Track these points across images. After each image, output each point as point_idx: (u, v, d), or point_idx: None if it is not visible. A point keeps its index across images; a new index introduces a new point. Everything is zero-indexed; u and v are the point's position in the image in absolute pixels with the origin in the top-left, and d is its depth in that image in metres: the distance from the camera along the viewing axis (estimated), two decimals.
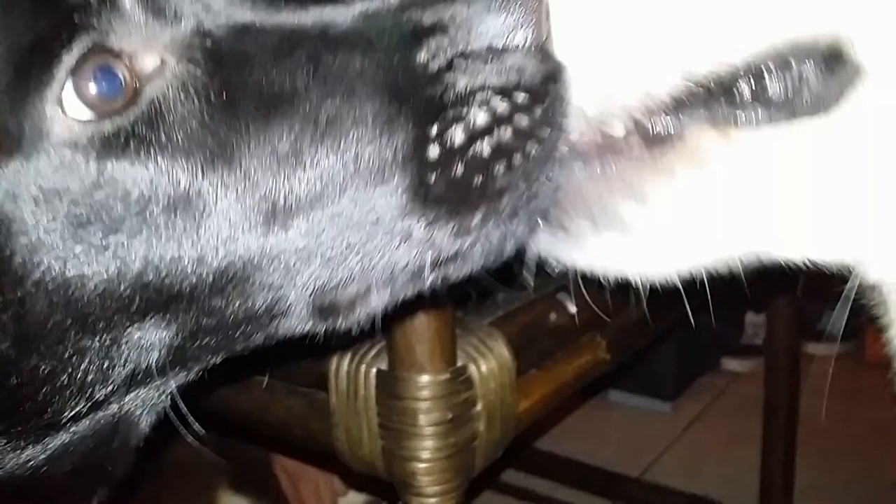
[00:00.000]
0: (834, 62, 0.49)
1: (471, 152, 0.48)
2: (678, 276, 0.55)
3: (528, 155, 0.48)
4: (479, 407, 0.74)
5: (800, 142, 0.50)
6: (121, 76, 0.45)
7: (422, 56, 0.48)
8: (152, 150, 0.45)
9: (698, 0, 0.48)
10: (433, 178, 0.48)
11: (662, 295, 0.57)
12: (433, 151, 0.48)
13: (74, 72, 0.44)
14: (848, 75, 0.48)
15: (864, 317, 0.60)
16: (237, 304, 0.49)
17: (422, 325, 0.70)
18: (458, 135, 0.47)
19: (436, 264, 0.50)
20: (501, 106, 0.47)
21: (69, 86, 0.44)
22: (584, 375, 0.88)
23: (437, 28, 0.48)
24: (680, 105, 0.50)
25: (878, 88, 0.48)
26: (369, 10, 0.50)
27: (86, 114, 0.45)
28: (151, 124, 0.46)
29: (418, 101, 0.48)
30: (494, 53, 0.48)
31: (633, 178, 0.51)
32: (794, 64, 0.49)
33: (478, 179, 0.48)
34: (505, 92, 0.47)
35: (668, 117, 0.51)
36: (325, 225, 0.48)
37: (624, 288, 0.57)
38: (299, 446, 0.84)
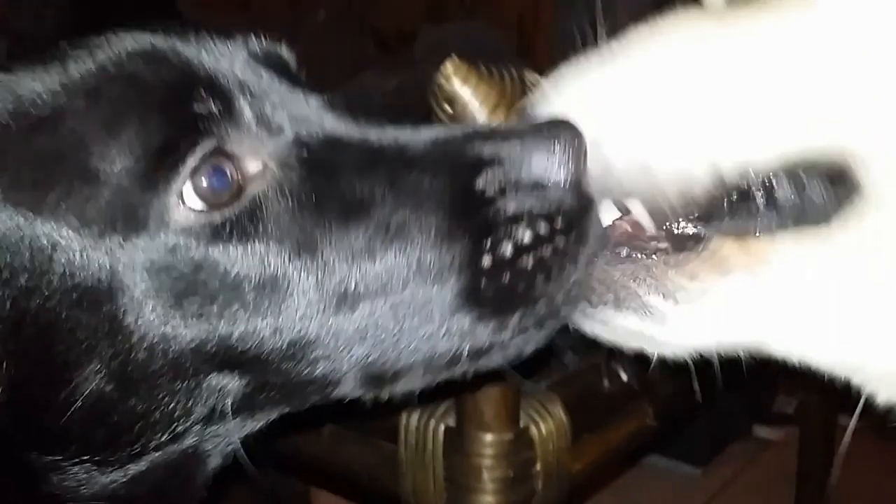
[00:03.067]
0: (838, 178, 0.54)
1: (516, 264, 0.56)
2: (688, 355, 0.61)
3: (562, 270, 0.57)
4: (538, 467, 0.79)
5: (811, 256, 0.55)
6: (230, 175, 0.53)
7: (480, 182, 0.56)
8: (250, 239, 0.54)
9: (724, 108, 0.55)
10: (483, 283, 0.56)
11: (702, 363, 0.63)
12: (485, 261, 0.56)
13: (194, 169, 0.52)
14: (849, 191, 0.54)
15: None
16: (301, 369, 0.56)
17: (489, 388, 0.76)
18: (506, 249, 0.56)
19: (473, 355, 0.57)
20: (543, 229, 0.56)
21: (188, 180, 0.52)
22: (633, 440, 0.93)
23: (495, 160, 0.57)
24: (706, 213, 0.57)
25: (877, 208, 0.53)
26: (439, 137, 0.58)
27: (199, 205, 0.52)
28: (251, 217, 0.54)
29: (475, 218, 0.56)
30: (540, 185, 0.56)
31: (658, 274, 0.58)
32: (803, 176, 0.55)
33: (520, 287, 0.56)
34: (547, 218, 0.56)
35: (695, 224, 0.58)
36: (385, 312, 0.56)
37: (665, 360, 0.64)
38: (365, 492, 0.90)
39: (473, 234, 0.56)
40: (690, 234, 0.58)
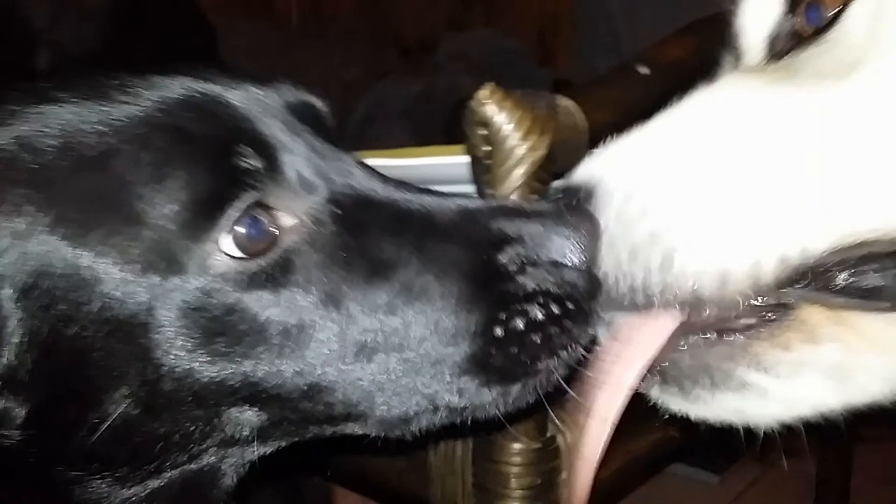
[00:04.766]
0: None
1: (526, 339, 0.60)
2: (791, 423, 0.63)
3: (566, 348, 0.61)
4: (564, 475, 0.81)
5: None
6: (266, 226, 0.57)
7: (501, 257, 0.60)
8: (280, 287, 0.57)
9: (798, 194, 0.56)
10: (494, 351, 0.60)
11: None
12: (498, 332, 0.60)
13: (234, 220, 0.56)
14: None
15: None
16: (318, 409, 0.60)
17: None
18: (519, 324, 0.60)
19: (475, 410, 0.62)
20: (554, 309, 0.60)
21: (228, 229, 0.56)
22: (656, 451, 0.95)
23: (516, 239, 0.61)
24: (791, 285, 0.57)
25: None
26: (466, 208, 0.62)
27: (236, 252, 0.56)
28: (283, 267, 0.57)
29: (493, 291, 0.60)
30: (555, 267, 0.61)
31: (753, 349, 0.59)
32: (881, 262, 0.56)
33: (527, 360, 0.60)
34: (558, 298, 0.60)
35: (782, 297, 0.58)
36: (400, 366, 0.60)
37: None
38: (393, 496, 0.92)
39: (490, 305, 0.60)
40: (775, 304, 0.59)
